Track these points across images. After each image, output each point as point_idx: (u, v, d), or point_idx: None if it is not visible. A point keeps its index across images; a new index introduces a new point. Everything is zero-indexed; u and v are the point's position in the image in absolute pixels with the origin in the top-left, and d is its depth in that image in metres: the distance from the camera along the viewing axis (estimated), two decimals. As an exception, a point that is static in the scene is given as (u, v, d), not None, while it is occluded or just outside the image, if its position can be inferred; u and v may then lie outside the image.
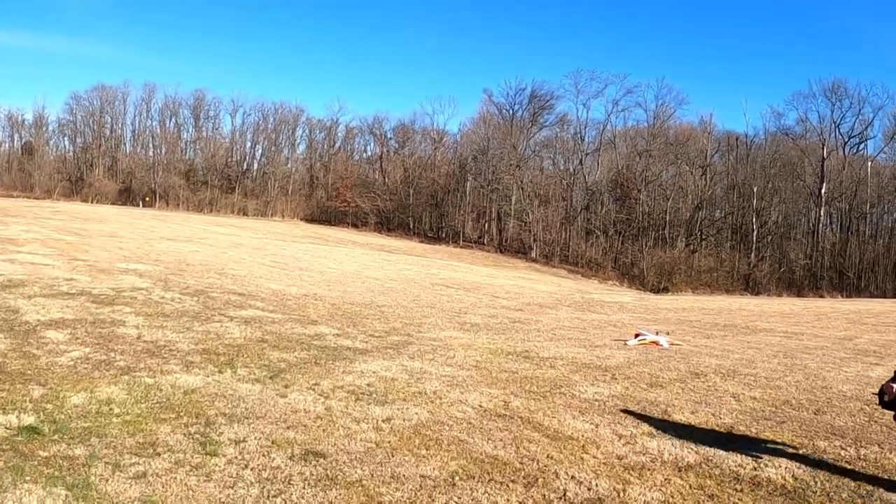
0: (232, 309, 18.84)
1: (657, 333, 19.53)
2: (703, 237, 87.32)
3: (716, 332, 24.00)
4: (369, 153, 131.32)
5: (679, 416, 10.62)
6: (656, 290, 70.71)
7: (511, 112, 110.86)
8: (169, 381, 10.66)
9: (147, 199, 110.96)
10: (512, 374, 12.96)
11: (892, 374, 7.94)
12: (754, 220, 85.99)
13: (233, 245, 46.60)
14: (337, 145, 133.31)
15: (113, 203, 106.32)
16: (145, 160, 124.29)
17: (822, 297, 69.71)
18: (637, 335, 19.45)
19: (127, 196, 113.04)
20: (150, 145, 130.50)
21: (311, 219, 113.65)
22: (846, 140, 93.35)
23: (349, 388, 10.98)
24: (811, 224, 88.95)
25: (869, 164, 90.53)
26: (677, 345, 18.92)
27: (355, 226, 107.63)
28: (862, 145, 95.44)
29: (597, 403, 11.12)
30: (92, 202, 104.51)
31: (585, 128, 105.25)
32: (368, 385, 11.25)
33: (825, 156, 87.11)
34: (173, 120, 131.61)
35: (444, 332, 18.55)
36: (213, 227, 71.44)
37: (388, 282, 33.93)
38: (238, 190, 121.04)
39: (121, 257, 30.11)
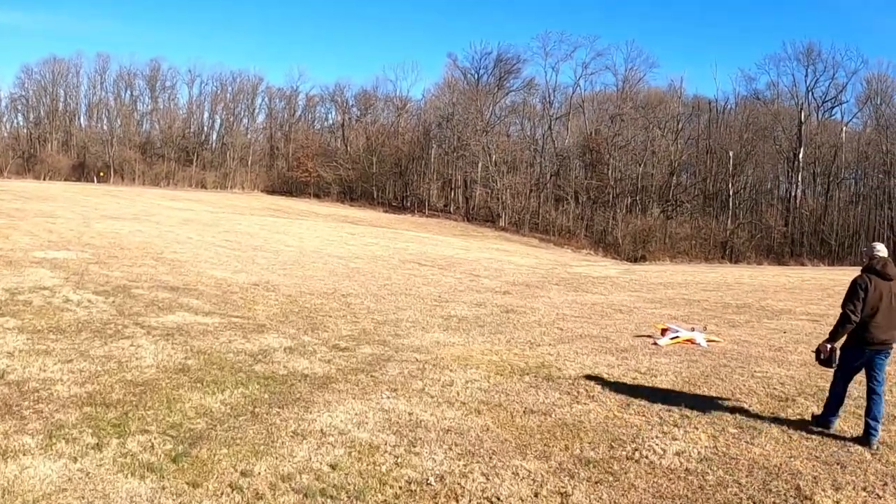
0: (154, 313, 14.42)
1: (692, 330, 15.49)
2: (678, 203, 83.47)
3: (734, 315, 20.12)
4: (331, 121, 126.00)
5: (824, 499, 6.61)
6: (633, 260, 66.89)
7: (476, 77, 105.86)
8: (1, 481, 6.33)
9: (101, 174, 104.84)
10: (544, 419, 8.77)
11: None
12: (730, 185, 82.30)
13: (183, 222, 41.80)
14: (297, 114, 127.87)
15: (66, 179, 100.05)
16: (100, 134, 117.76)
17: (803, 265, 66.41)
18: (664, 331, 15.48)
19: (81, 172, 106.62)
20: (105, 118, 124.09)
21: (272, 190, 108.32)
22: (819, 104, 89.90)
23: (301, 477, 6.62)
24: (786, 190, 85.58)
25: (844, 129, 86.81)
26: (714, 342, 14.98)
27: (317, 196, 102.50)
28: (835, 110, 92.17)
29: (695, 481, 6.99)
30: (44, 179, 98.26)
31: (554, 92, 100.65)
32: (332, 467, 6.90)
33: (802, 120, 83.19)
34: (128, 91, 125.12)
35: (428, 335, 14.34)
36: (167, 201, 66.26)
37: (353, 260, 29.55)
38: (196, 162, 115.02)
39: (44, 243, 25.46)
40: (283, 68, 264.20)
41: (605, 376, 11.19)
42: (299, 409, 8.71)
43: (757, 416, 9.28)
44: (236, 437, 7.64)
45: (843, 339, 8.65)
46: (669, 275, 37.26)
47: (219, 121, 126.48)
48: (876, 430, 8.37)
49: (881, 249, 8.63)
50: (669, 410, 9.34)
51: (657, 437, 8.26)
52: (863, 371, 8.72)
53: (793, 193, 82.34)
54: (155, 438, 7.50)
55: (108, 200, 57.89)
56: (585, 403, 9.54)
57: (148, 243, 28.38)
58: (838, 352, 8.66)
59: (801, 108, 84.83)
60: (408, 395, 9.62)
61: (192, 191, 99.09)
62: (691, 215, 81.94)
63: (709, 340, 14.91)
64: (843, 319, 8.37)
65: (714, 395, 10.29)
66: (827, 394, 9.07)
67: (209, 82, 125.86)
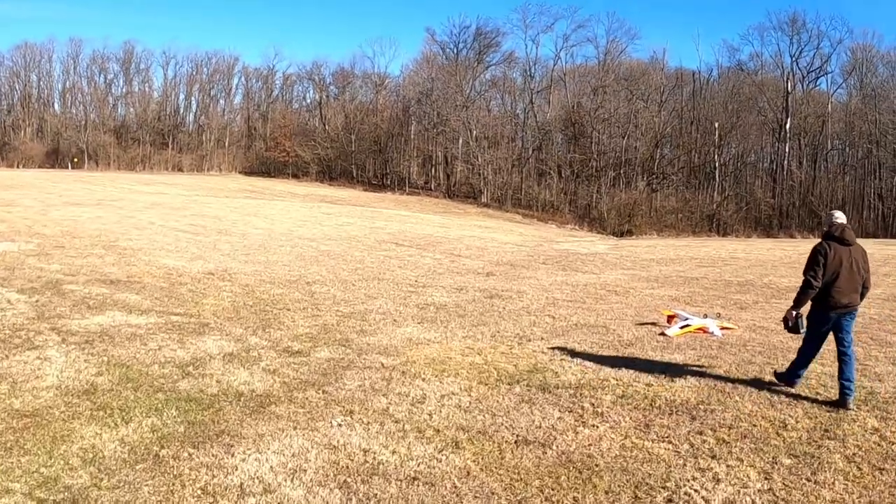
0: (80, 314, 12.21)
1: (705, 317, 13.42)
2: (664, 176, 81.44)
3: (739, 295, 18.05)
4: (309, 101, 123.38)
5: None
6: (619, 234, 64.95)
7: (455, 51, 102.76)
8: None
9: (76, 160, 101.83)
10: (543, 453, 6.66)
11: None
12: (716, 157, 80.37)
13: (149, 206, 39.45)
14: (275, 94, 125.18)
15: (40, 166, 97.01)
16: (74, 119, 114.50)
17: (793, 237, 64.39)
18: (671, 318, 13.47)
19: (55, 159, 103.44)
20: (80, 103, 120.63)
21: (251, 171, 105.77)
22: (804, 75, 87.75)
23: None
24: (772, 161, 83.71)
25: (830, 99, 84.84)
26: (729, 329, 12.94)
27: (296, 176, 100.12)
28: (820, 80, 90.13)
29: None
30: (18, 167, 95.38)
31: (534, 65, 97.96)
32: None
33: (789, 90, 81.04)
34: (102, 75, 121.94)
35: (400, 331, 12.23)
36: (139, 185, 63.74)
37: (325, 242, 27.36)
38: (172, 145, 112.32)
39: (-12, 231, 23.29)
40: (259, 48, 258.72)
41: (613, 382, 9.11)
42: (220, 450, 6.58)
43: (809, 437, 7.25)
44: (122, 500, 5.53)
45: (809, 305, 8.78)
46: (660, 250, 35.25)
47: (195, 103, 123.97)
48: (850, 390, 8.44)
49: (839, 216, 8.80)
50: (701, 433, 7.27)
51: (694, 477, 6.19)
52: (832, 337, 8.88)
53: (780, 164, 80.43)
54: (12, 506, 5.39)
55: (77, 187, 55.39)
56: (594, 426, 7.44)
57: (104, 230, 26.16)
58: (804, 318, 8.88)
59: (788, 78, 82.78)
60: (366, 419, 7.50)
61: (168, 174, 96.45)
62: (677, 188, 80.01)
63: (722, 328, 12.89)
64: (806, 286, 8.56)
65: (749, 405, 8.24)
66: (796, 357, 9.11)
67: (184, 64, 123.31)
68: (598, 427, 7.39)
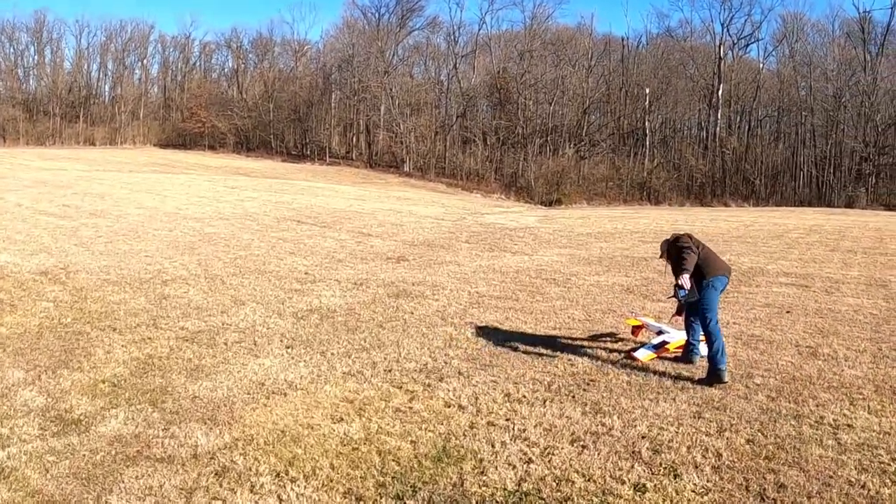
0: None
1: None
2: (593, 143, 78.49)
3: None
4: (227, 70, 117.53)
5: None
6: (548, 203, 61.75)
7: (377, 16, 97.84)
8: None
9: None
10: None
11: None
12: (647, 123, 77.81)
13: (30, 185, 34.31)
14: (192, 62, 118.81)
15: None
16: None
17: (727, 205, 62.47)
18: (637, 329, 9.78)
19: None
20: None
21: (166, 144, 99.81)
22: (735, 42, 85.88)
23: None
24: (702, 127, 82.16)
25: (762, 66, 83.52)
26: (709, 339, 9.22)
27: (213, 148, 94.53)
28: (751, 47, 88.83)
29: None
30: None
31: (459, 30, 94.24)
32: None
33: (721, 55, 79.15)
34: (12, 46, 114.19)
35: (253, 365, 8.22)
36: (39, 161, 58.14)
37: (213, 223, 22.94)
38: (84, 118, 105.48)
39: None
40: (176, 14, 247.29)
41: (578, 485, 5.20)
42: None
43: None
44: None
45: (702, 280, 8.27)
46: (594, 221, 31.63)
47: (109, 73, 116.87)
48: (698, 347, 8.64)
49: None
50: None
51: None
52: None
53: (711, 132, 78.51)
54: None
55: (-33, 165, 49.87)
56: None
57: (-52, 214, 21.55)
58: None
59: (721, 44, 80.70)
60: None
61: (79, 148, 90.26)
62: (606, 155, 77.23)
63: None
64: (685, 251, 8.22)
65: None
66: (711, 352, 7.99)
67: (97, 33, 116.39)
68: None
